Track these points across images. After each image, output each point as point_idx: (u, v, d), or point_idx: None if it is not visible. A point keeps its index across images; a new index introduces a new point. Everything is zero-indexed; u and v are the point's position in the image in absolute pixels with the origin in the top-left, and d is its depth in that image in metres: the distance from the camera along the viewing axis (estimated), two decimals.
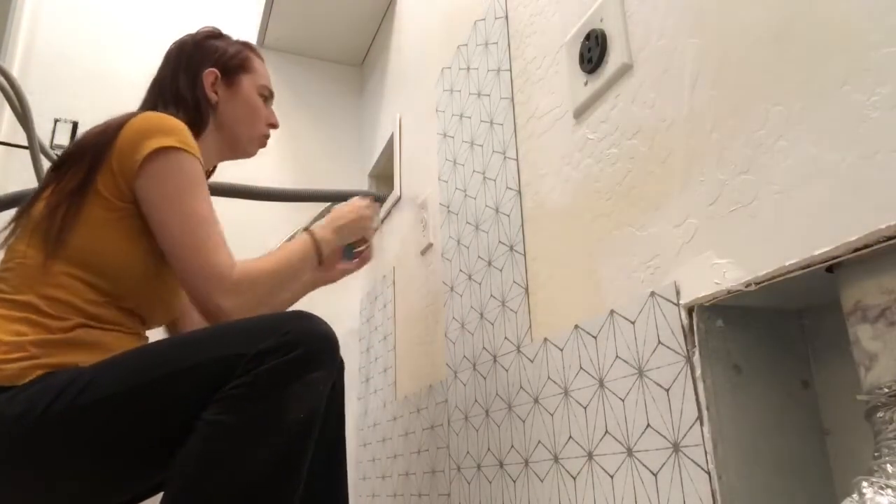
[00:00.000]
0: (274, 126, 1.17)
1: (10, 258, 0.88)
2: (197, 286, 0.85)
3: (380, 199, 1.93)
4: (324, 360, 0.79)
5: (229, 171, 1.29)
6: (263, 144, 1.17)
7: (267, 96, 1.15)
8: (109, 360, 0.80)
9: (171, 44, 1.14)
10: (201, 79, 1.07)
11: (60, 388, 0.75)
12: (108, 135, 0.90)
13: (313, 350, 0.77)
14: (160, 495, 0.76)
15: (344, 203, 1.22)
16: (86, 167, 0.88)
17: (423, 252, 1.53)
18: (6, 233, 0.92)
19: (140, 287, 0.90)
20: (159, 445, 0.76)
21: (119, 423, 0.76)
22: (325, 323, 0.82)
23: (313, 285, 1.30)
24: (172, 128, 0.90)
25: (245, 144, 1.13)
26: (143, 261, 0.89)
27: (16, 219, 0.92)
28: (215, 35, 1.16)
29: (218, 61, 1.10)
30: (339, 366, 0.96)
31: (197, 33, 1.15)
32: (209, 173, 1.15)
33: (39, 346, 0.79)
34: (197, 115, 1.04)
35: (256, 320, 0.81)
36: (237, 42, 1.16)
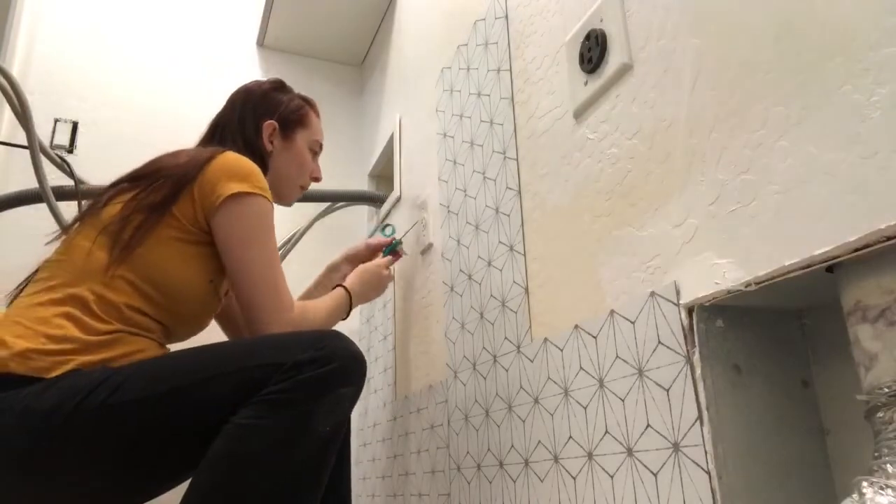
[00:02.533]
0: (317, 180, 1.26)
1: (67, 250, 0.93)
2: (262, 318, 0.95)
3: (379, 200, 1.93)
4: (354, 377, 0.84)
5: None
6: (300, 194, 1.26)
7: (316, 151, 1.25)
8: (142, 362, 0.84)
9: (235, 90, 1.21)
10: (262, 128, 1.15)
11: (92, 386, 0.77)
12: (195, 165, 0.97)
13: (346, 366, 0.82)
14: (178, 491, 0.78)
15: (370, 264, 1.34)
16: (169, 188, 0.95)
17: (423, 252, 1.53)
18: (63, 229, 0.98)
19: (187, 307, 0.96)
20: (189, 448, 0.79)
21: (153, 423, 0.78)
22: (356, 345, 0.87)
23: None
24: (251, 172, 0.99)
25: (287, 192, 1.21)
26: (199, 285, 0.96)
27: (82, 216, 0.98)
28: (280, 87, 1.23)
29: (280, 114, 1.18)
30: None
31: (264, 83, 1.23)
32: None
33: (76, 343, 0.82)
34: (260, 161, 1.10)
35: (294, 335, 0.87)
36: (299, 97, 1.24)
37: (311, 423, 0.78)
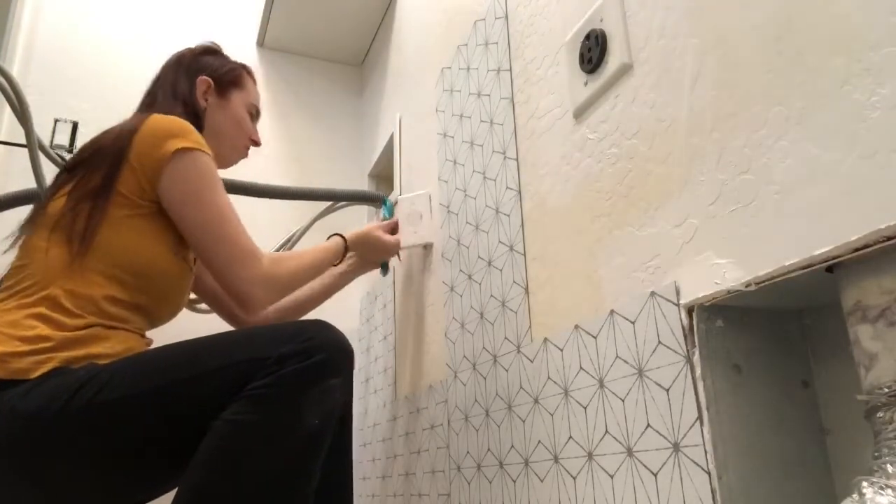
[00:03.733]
0: (255, 143, 1.24)
1: (26, 254, 0.91)
2: (231, 277, 0.93)
3: (379, 200, 1.93)
4: (342, 368, 0.83)
5: (229, 170, 1.30)
6: (243, 155, 1.23)
7: (253, 114, 1.23)
8: (129, 358, 0.82)
9: (169, 55, 1.19)
10: (196, 84, 1.13)
11: (78, 384, 0.77)
12: (124, 137, 0.94)
13: (333, 358, 0.81)
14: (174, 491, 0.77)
15: (372, 226, 1.37)
16: (106, 167, 0.92)
17: (423, 252, 1.53)
18: (17, 232, 0.95)
19: (160, 283, 0.95)
20: (180, 445, 0.78)
21: (140, 422, 0.77)
22: (343, 334, 0.85)
23: (342, 277, 1.40)
24: (186, 129, 0.96)
25: (225, 152, 1.18)
26: (165, 257, 0.94)
27: (31, 217, 0.95)
28: (213, 51, 1.23)
29: (214, 72, 1.17)
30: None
31: (196, 47, 1.21)
32: None
33: (53, 341, 0.81)
34: (195, 118, 1.08)
35: (279, 326, 0.85)
36: (235, 61, 1.24)
37: (298, 417, 0.76)
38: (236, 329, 0.93)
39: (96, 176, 0.92)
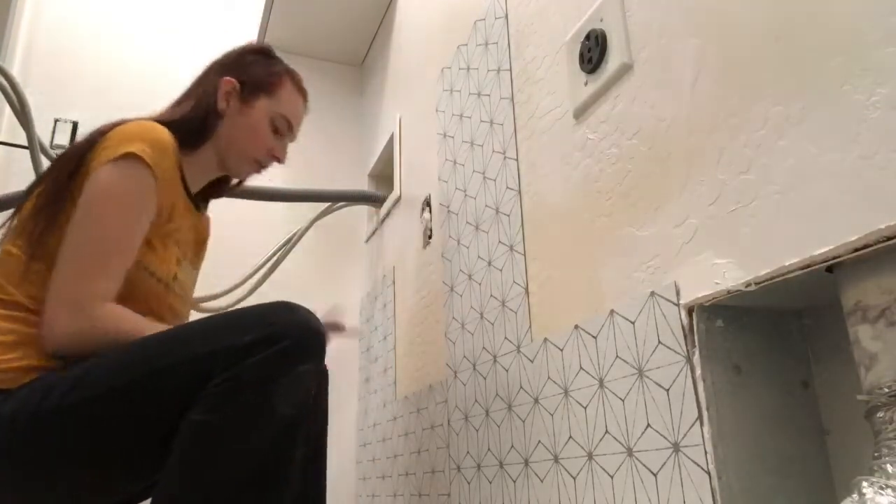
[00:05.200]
0: (276, 159, 1.10)
1: (1, 259, 0.88)
2: (58, 303, 0.80)
3: (379, 200, 1.93)
4: (311, 353, 0.76)
5: None
6: (256, 170, 1.10)
7: (280, 128, 1.08)
8: (97, 358, 0.78)
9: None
10: (220, 84, 1.03)
11: (50, 386, 0.75)
12: (89, 141, 0.89)
13: (300, 342, 0.74)
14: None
15: None
16: (67, 171, 0.87)
17: (423, 252, 1.53)
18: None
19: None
20: (150, 444, 0.75)
21: (107, 422, 0.75)
22: (313, 314, 0.78)
23: None
24: (135, 135, 0.87)
25: (234, 163, 1.06)
26: None
27: (7, 221, 0.92)
28: (263, 52, 1.11)
29: (248, 74, 1.05)
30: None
31: (246, 45, 1.11)
32: (213, 188, 1.11)
33: (30, 346, 0.80)
34: (201, 122, 1.01)
35: (240, 313, 0.79)
36: (282, 67, 1.11)
37: (269, 410, 0.71)
38: (194, 321, 0.85)
39: (57, 181, 0.87)
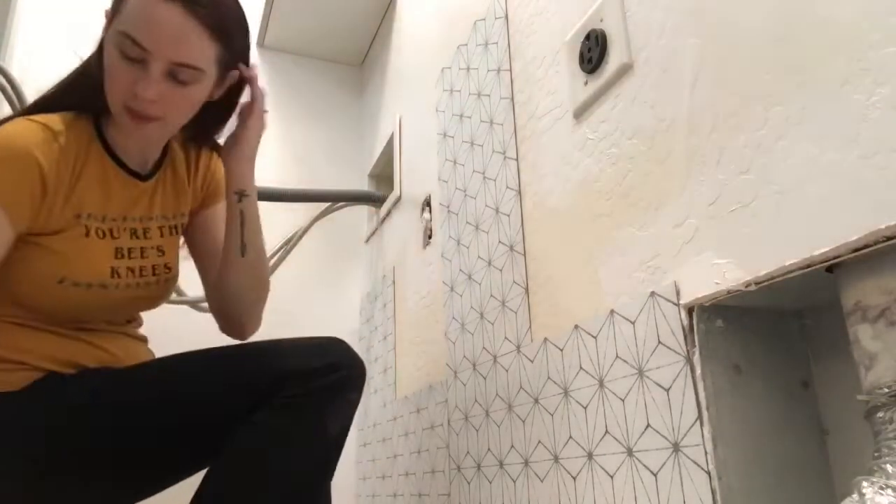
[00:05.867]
0: (136, 96, 0.77)
1: None
2: None
3: (379, 200, 1.93)
4: (359, 383, 0.87)
5: None
6: (133, 120, 0.80)
7: (130, 53, 0.76)
8: (150, 363, 0.88)
9: None
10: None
11: (93, 389, 0.81)
12: None
13: (351, 374, 0.85)
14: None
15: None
16: None
17: (423, 252, 1.53)
18: None
19: (54, 311, 0.84)
20: (199, 453, 0.83)
21: (155, 428, 0.82)
22: (354, 350, 0.89)
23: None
24: None
25: (115, 112, 0.81)
26: (44, 288, 0.82)
27: None
28: None
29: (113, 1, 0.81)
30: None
31: None
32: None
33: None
34: (88, 77, 0.88)
35: (304, 342, 0.87)
36: None
37: (322, 426, 0.81)
38: (257, 342, 0.90)
39: None
